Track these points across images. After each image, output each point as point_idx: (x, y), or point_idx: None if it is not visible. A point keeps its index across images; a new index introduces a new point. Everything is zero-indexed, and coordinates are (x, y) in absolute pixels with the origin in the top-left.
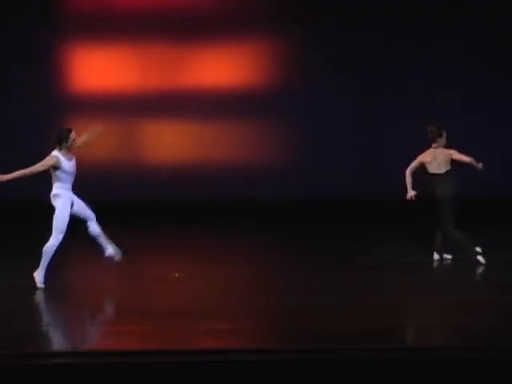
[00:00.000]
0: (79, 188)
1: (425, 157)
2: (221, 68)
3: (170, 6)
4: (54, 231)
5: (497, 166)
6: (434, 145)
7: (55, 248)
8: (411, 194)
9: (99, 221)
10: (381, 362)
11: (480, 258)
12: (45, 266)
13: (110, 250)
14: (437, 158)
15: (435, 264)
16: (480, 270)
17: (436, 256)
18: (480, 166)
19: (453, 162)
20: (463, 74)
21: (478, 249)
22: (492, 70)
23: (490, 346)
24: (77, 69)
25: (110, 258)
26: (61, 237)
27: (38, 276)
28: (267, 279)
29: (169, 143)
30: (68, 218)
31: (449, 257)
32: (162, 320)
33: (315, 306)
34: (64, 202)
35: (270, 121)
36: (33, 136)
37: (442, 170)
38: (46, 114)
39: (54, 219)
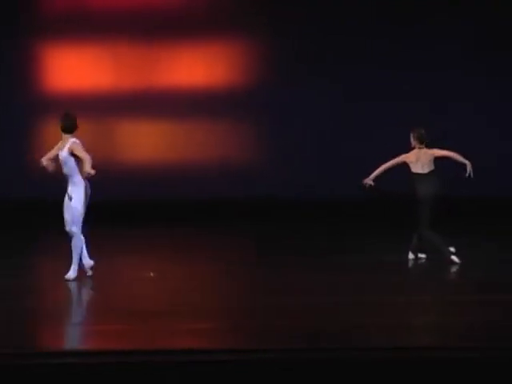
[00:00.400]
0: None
1: (408, 157)
2: (195, 67)
3: (145, 5)
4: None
5: (494, 166)
6: (418, 146)
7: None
8: (369, 181)
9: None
10: (367, 362)
11: (454, 257)
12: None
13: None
14: (421, 159)
15: (410, 264)
16: (462, 269)
17: (411, 255)
18: (468, 165)
19: (436, 161)
20: (456, 74)
21: (452, 249)
22: (487, 70)
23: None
24: (51, 69)
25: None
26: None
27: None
28: (246, 278)
29: (144, 143)
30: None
31: (423, 256)
32: (140, 319)
33: (295, 306)
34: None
35: (245, 120)
36: (7, 136)
37: (426, 171)
38: (20, 113)
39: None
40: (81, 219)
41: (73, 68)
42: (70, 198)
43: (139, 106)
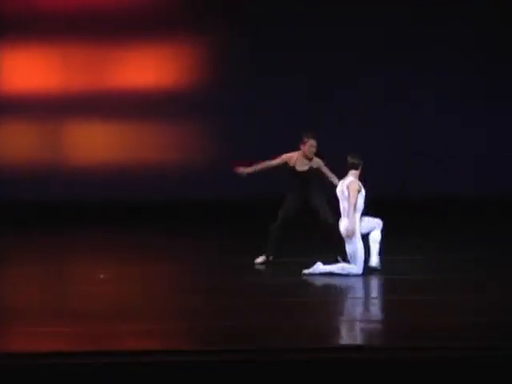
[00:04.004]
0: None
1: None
2: (145, 68)
3: (94, 6)
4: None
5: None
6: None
7: None
8: (245, 171)
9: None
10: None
11: (259, 259)
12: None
13: None
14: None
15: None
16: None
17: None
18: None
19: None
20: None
21: (260, 260)
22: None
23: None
24: (2, 69)
25: None
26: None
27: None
28: (195, 279)
29: (94, 144)
30: None
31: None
32: (87, 321)
33: (238, 306)
34: None
35: (194, 121)
36: None
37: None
38: None
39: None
40: None
41: (22, 68)
42: None
43: (88, 107)
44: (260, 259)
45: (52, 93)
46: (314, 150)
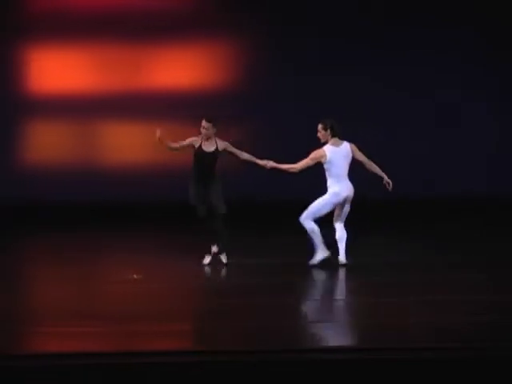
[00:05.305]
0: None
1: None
2: (178, 68)
3: (128, 5)
4: None
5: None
6: None
7: None
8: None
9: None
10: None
11: (206, 260)
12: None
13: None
14: None
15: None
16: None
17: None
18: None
19: None
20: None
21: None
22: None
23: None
24: (34, 70)
25: None
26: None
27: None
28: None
29: (126, 144)
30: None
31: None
32: (116, 321)
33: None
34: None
35: (228, 121)
36: None
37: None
38: (3, 114)
39: None
40: None
41: (55, 69)
42: None
43: (121, 107)
44: (207, 259)
45: (84, 93)
46: (203, 130)
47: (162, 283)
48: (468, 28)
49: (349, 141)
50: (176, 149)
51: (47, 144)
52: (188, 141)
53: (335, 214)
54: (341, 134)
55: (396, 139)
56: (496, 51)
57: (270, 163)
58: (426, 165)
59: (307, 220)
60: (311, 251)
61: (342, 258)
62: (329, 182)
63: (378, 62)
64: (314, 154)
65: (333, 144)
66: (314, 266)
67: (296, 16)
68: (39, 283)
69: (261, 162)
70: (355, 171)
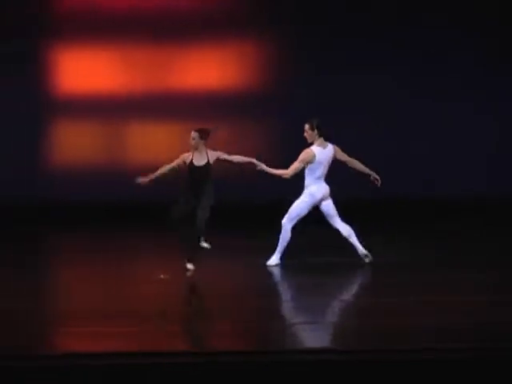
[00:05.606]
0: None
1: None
2: (208, 69)
3: (157, 7)
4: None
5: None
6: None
7: None
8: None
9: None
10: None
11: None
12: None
13: None
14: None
15: None
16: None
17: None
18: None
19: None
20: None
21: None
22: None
23: None
24: (64, 70)
25: None
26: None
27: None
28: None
29: (154, 144)
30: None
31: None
32: (145, 321)
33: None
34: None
35: (257, 121)
36: (19, 137)
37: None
38: (33, 115)
39: None
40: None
41: (86, 69)
42: None
43: (150, 108)
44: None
45: (112, 94)
46: (191, 141)
47: (189, 283)
48: (468, 28)
49: (332, 142)
50: (171, 170)
51: (75, 144)
52: (178, 159)
53: (326, 217)
54: (326, 135)
55: (396, 139)
56: (496, 51)
57: (262, 166)
58: (426, 165)
59: (289, 224)
60: (313, 251)
61: (362, 250)
62: (307, 182)
63: (380, 61)
64: (304, 156)
65: (320, 145)
66: (271, 266)
67: (317, 15)
68: (67, 283)
69: (254, 161)
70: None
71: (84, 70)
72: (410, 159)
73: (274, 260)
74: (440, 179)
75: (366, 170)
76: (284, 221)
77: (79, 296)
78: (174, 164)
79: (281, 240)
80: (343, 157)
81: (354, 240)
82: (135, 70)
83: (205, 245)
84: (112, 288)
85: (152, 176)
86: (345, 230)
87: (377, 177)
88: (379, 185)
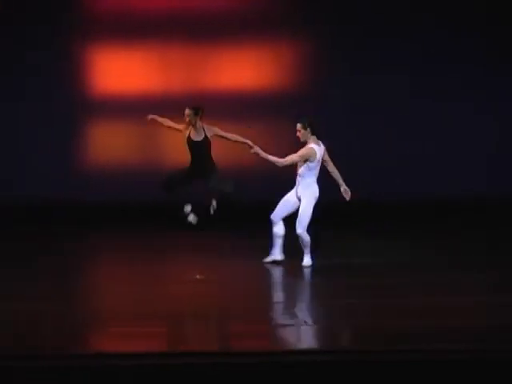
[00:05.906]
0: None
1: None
2: (243, 69)
3: (192, 7)
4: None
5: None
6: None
7: None
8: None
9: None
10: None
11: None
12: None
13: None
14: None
15: None
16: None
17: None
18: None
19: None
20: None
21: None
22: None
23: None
24: (99, 70)
25: None
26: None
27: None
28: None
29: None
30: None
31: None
32: (179, 322)
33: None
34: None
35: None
36: (53, 136)
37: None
38: (67, 114)
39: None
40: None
41: (120, 69)
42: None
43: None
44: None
45: (147, 94)
46: (185, 118)
47: (225, 284)
48: (468, 28)
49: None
50: (170, 127)
51: (110, 144)
52: (180, 126)
53: (286, 210)
54: (319, 133)
55: (396, 139)
56: (496, 51)
57: (256, 148)
58: (426, 165)
59: (304, 230)
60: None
61: (276, 256)
62: (307, 181)
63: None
64: (305, 152)
65: (316, 143)
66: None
67: (351, 15)
68: (102, 283)
69: (249, 142)
70: (355, 172)
71: (119, 70)
72: (410, 159)
73: (308, 261)
74: (440, 179)
75: (340, 181)
76: (299, 231)
77: (110, 296)
78: (175, 125)
79: (304, 244)
80: (327, 158)
81: (279, 242)
82: (170, 70)
83: (191, 218)
84: (149, 288)
85: (159, 119)
86: (281, 229)
87: (347, 189)
88: (348, 199)
